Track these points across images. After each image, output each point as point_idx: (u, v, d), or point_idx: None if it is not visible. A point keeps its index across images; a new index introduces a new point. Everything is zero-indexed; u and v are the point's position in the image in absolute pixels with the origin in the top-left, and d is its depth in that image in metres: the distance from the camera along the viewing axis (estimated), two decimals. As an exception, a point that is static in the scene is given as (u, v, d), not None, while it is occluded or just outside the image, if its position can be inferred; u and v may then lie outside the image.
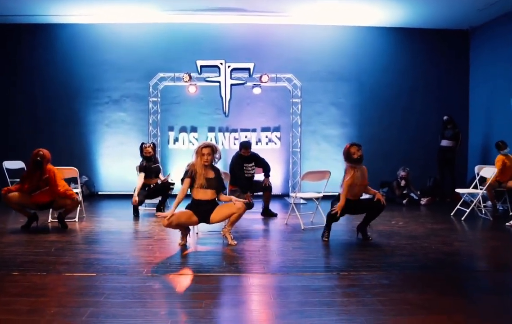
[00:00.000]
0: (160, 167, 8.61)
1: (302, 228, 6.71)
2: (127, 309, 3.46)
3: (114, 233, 6.40)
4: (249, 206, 7.67)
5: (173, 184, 8.29)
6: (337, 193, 6.06)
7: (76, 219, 7.16)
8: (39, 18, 10.31)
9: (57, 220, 6.67)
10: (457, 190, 8.43)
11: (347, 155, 5.94)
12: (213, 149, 5.52)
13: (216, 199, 5.58)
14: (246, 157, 7.84)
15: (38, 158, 6.36)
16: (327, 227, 5.99)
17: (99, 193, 10.79)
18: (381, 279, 4.25)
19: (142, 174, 7.91)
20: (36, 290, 3.87)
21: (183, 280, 4.26)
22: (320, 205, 7.18)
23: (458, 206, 7.93)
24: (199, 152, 5.47)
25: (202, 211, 5.49)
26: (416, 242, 5.90)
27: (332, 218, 5.93)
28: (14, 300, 3.62)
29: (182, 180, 5.48)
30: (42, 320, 3.25)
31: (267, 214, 7.95)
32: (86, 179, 10.59)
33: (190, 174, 5.43)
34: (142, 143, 8.36)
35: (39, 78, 10.67)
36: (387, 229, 6.73)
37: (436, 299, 3.77)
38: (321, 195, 7.17)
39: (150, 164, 8.11)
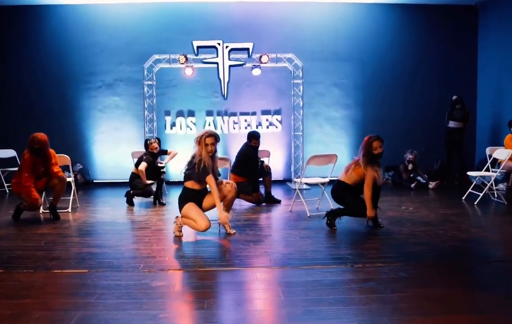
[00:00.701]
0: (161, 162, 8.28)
1: (308, 215, 6.34)
2: (121, 312, 3.10)
3: (109, 223, 6.03)
4: (259, 202, 7.39)
5: (163, 167, 7.95)
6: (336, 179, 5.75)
7: (69, 209, 6.79)
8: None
9: (48, 211, 6.30)
10: (469, 173, 8.05)
11: (368, 149, 5.49)
12: (216, 138, 5.14)
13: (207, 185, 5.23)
14: (256, 147, 7.53)
15: (36, 146, 5.97)
16: (333, 217, 5.63)
17: (94, 181, 10.40)
18: (399, 271, 3.90)
19: (145, 164, 7.40)
20: (22, 290, 3.50)
21: (183, 276, 3.90)
22: (326, 190, 6.81)
23: (470, 190, 7.57)
24: (202, 142, 5.08)
25: (198, 200, 5.14)
26: (430, 228, 5.54)
27: (337, 215, 5.60)
28: (-5, 303, 3.26)
29: (203, 175, 5.05)
30: (25, 326, 2.89)
31: (270, 200, 7.58)
32: (81, 167, 10.21)
33: (206, 168, 5.06)
34: (147, 140, 8.02)
35: (28, 62, 10.21)
36: (397, 215, 6.38)
37: (463, 294, 3.42)
38: (327, 180, 6.79)
39: (154, 161, 7.67)
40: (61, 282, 3.72)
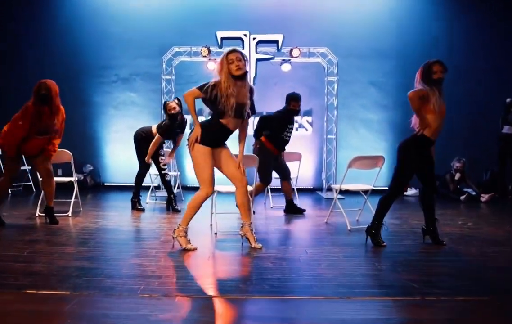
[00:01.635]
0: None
1: (349, 228, 5.27)
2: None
3: (111, 231, 5.08)
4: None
5: (164, 167, 6.69)
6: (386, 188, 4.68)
7: (70, 214, 5.85)
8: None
9: (44, 215, 5.39)
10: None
11: (427, 73, 4.56)
12: (242, 55, 4.06)
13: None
14: (293, 113, 6.51)
15: (43, 92, 5.05)
16: (378, 223, 4.57)
17: (105, 184, 9.53)
18: (489, 306, 2.82)
19: (159, 137, 6.40)
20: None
21: (195, 306, 2.89)
22: (369, 200, 5.73)
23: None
24: (223, 62, 4.00)
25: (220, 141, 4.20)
26: (505, 249, 4.45)
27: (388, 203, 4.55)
28: None
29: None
30: None
31: (291, 210, 6.45)
32: (91, 168, 9.37)
33: (207, 90, 3.96)
34: (165, 101, 6.82)
35: (38, 53, 9.41)
36: (456, 231, 5.28)
37: None
38: (370, 187, 5.71)
39: (173, 124, 6.46)
40: (29, 309, 2.75)
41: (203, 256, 4.06)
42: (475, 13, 9.47)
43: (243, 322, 2.72)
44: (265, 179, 6.22)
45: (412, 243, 4.66)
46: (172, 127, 6.41)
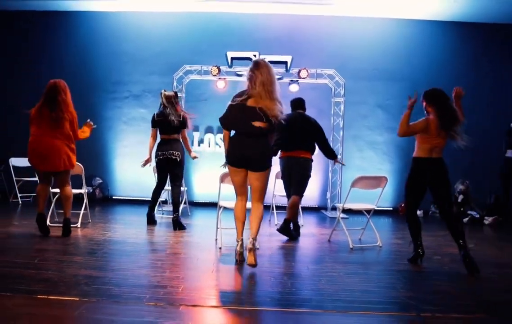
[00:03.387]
0: (186, 119, 6.51)
1: (351, 247, 5.37)
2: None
3: (118, 243, 5.20)
4: None
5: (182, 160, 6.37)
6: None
7: (79, 225, 6.00)
8: (53, 4, 9.38)
9: (58, 224, 5.53)
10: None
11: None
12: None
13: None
14: None
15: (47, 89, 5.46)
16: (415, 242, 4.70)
17: (114, 197, 9.68)
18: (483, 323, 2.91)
19: (154, 131, 6.46)
20: (-12, 320, 2.68)
21: (198, 315, 3.00)
22: (371, 219, 5.83)
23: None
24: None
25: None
26: (507, 271, 4.53)
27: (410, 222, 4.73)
28: None
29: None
30: None
31: (284, 231, 5.89)
32: (100, 181, 9.52)
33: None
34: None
35: (52, 69, 9.58)
36: (455, 252, 5.29)
37: None
38: (373, 207, 5.81)
39: (166, 113, 6.29)
40: (40, 312, 2.88)
41: (207, 269, 4.17)
42: (477, 40, 9.63)
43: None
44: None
45: (426, 265, 4.74)
46: (164, 115, 6.30)
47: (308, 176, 6.04)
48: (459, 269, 4.48)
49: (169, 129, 6.31)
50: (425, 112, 4.80)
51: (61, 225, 5.42)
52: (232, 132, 4.40)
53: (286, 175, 6.09)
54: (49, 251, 4.53)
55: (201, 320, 2.93)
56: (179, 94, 9.13)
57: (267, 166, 4.24)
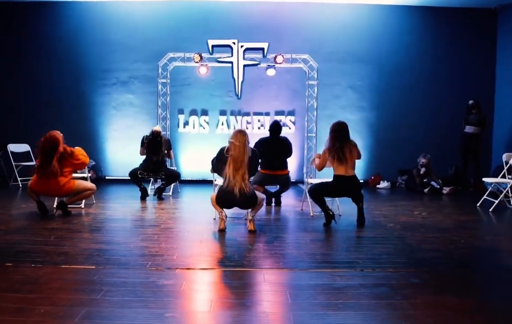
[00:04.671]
0: (169, 145, 8.21)
1: (311, 215, 6.33)
2: (126, 310, 3.06)
3: (118, 220, 6.03)
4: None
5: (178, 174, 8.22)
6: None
7: (82, 205, 6.79)
8: (44, -5, 9.93)
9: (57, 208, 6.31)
10: (484, 179, 7.91)
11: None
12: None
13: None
14: None
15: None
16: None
17: (107, 177, 10.43)
18: (411, 277, 3.80)
19: (142, 150, 7.92)
20: (28, 285, 3.48)
21: (190, 275, 3.85)
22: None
23: (484, 196, 7.43)
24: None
25: None
26: (444, 235, 5.42)
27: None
28: (1, 296, 3.24)
29: None
30: (29, 321, 2.86)
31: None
32: (93, 163, 10.23)
33: None
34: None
35: (44, 58, 10.29)
36: (410, 220, 6.27)
37: (477, 304, 3.32)
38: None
39: (153, 139, 7.81)
40: (68, 278, 3.70)
41: (196, 239, 5.02)
42: (440, 23, 10.46)
43: (225, 287, 3.67)
44: None
45: (369, 230, 5.64)
46: (153, 142, 7.77)
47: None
48: (405, 234, 5.39)
49: None
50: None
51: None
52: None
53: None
54: (61, 230, 5.32)
55: (193, 279, 3.77)
56: (164, 80, 9.85)
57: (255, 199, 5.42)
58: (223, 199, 5.34)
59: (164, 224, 5.83)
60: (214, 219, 5.87)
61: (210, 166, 5.61)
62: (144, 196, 7.69)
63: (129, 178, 7.91)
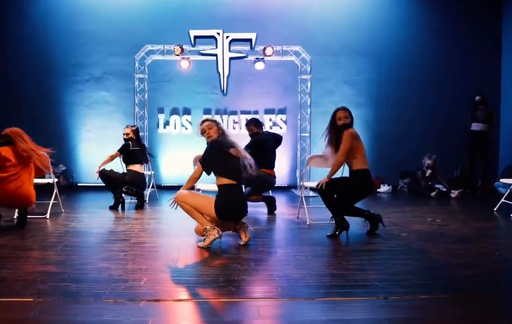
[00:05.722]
0: (148, 154, 7.30)
1: (308, 223, 5.46)
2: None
3: (81, 234, 5.03)
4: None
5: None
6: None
7: (48, 215, 5.81)
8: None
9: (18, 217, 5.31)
10: (502, 180, 7.07)
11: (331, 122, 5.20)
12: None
13: None
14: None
15: None
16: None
17: (79, 184, 9.42)
18: (451, 306, 2.89)
19: (116, 153, 6.82)
20: None
21: (160, 310, 2.89)
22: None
23: (502, 200, 6.58)
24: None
25: None
26: (471, 246, 4.54)
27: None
28: None
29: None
30: None
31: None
32: (64, 168, 9.26)
33: None
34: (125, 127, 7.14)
35: (7, 52, 9.26)
36: (424, 229, 5.38)
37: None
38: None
39: (131, 146, 6.84)
40: (-7, 317, 2.72)
41: (172, 258, 4.05)
42: (442, 12, 9.66)
43: (208, 325, 2.73)
44: None
45: (381, 241, 4.73)
46: (129, 147, 6.81)
47: None
48: (426, 246, 4.49)
49: None
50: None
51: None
52: None
53: None
54: (7, 247, 4.32)
55: (163, 315, 2.81)
56: (141, 76, 8.89)
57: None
58: (232, 210, 4.37)
59: (135, 237, 4.84)
60: (205, 229, 4.71)
61: (194, 169, 4.65)
62: (117, 205, 6.71)
63: (104, 185, 6.87)
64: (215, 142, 4.39)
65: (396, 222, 5.81)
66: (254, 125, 6.55)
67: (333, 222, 4.93)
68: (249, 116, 9.42)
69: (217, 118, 9.35)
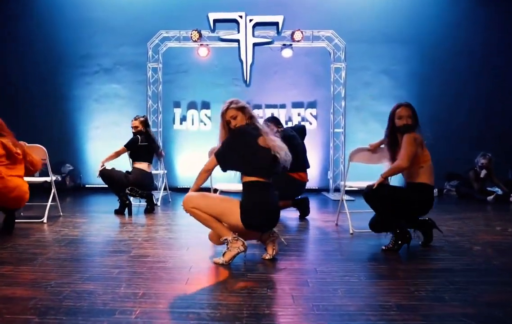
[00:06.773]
0: (159, 147, 6.44)
1: (351, 232, 4.41)
2: None
3: (72, 242, 4.09)
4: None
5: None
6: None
7: (45, 220, 4.95)
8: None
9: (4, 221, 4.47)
10: None
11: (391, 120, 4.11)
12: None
13: None
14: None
15: None
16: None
17: (86, 186, 8.57)
18: None
19: (123, 148, 5.96)
20: None
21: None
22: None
23: None
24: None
25: None
26: None
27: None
28: None
29: None
30: None
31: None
32: (71, 168, 8.46)
33: None
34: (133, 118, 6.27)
35: (13, 43, 8.52)
36: (501, 241, 4.32)
37: None
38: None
39: (140, 140, 5.96)
40: None
41: (179, 278, 3.07)
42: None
43: None
44: None
45: (449, 256, 3.68)
46: (138, 142, 5.98)
47: None
48: (505, 263, 3.43)
49: None
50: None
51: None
52: None
53: None
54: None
55: None
56: (155, 65, 8.03)
57: None
58: (262, 216, 3.37)
59: (136, 249, 3.88)
60: (226, 240, 3.57)
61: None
62: (123, 209, 5.80)
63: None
64: (237, 130, 3.40)
65: (458, 231, 4.76)
66: (275, 123, 5.52)
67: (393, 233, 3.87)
68: (275, 110, 8.48)
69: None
